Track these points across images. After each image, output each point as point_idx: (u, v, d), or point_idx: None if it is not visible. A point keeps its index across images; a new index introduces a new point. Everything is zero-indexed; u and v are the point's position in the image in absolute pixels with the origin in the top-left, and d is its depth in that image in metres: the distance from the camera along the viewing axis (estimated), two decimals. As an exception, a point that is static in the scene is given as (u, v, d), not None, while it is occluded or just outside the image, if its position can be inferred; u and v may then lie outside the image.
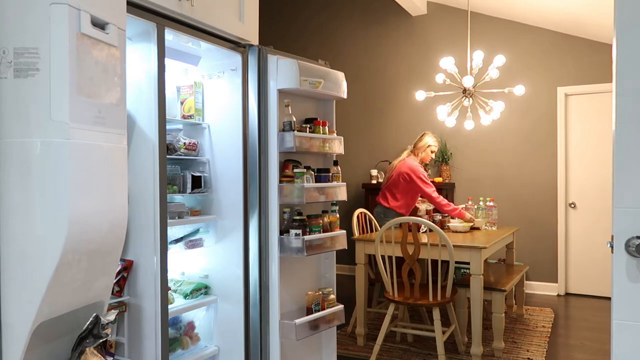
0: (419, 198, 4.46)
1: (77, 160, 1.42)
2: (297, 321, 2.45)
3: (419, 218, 3.76)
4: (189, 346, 2.41)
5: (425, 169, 5.64)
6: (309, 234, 2.51)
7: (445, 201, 4.21)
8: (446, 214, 4.20)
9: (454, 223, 4.06)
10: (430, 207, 4.46)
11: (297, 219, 2.50)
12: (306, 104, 2.75)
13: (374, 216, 4.50)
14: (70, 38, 1.40)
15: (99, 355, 1.54)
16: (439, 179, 5.65)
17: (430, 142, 4.38)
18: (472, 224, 4.18)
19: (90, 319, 1.54)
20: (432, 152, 4.42)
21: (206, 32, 2.26)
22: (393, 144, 6.05)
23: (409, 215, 4.41)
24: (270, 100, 2.45)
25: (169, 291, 2.25)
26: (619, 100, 1.35)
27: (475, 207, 4.35)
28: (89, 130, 1.46)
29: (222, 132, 2.49)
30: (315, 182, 2.56)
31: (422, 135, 4.45)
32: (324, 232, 2.60)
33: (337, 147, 2.73)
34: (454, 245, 3.25)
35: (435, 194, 4.21)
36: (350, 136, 6.20)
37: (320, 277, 2.85)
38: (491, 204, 4.30)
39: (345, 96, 2.78)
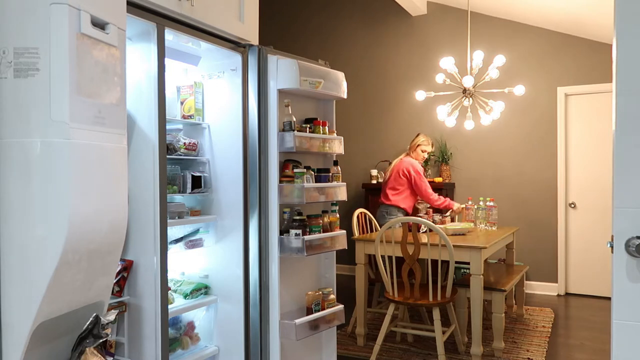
0: (418, 199, 4.54)
1: (77, 160, 1.42)
2: (297, 321, 2.45)
3: (419, 218, 3.76)
4: (189, 346, 2.41)
5: (425, 169, 5.68)
6: (309, 234, 2.51)
7: (436, 196, 4.44)
8: (443, 209, 4.46)
9: (453, 225, 4.06)
10: (429, 206, 4.52)
11: (297, 219, 2.50)
12: (306, 104, 2.75)
13: (377, 216, 4.52)
14: (70, 38, 1.40)
15: (99, 355, 1.54)
16: (439, 179, 5.65)
17: (419, 141, 4.55)
18: (472, 224, 4.19)
19: (90, 319, 1.54)
20: (422, 151, 4.57)
21: (206, 32, 2.26)
22: (393, 144, 6.05)
23: (410, 214, 4.45)
24: (270, 100, 2.45)
25: (169, 291, 2.25)
26: (619, 100, 1.35)
27: (475, 207, 4.35)
28: (89, 130, 1.46)
29: (222, 132, 2.49)
30: (315, 182, 2.56)
31: (416, 136, 4.65)
32: (324, 232, 2.60)
33: (337, 147, 2.73)
34: (454, 245, 3.25)
35: (429, 190, 4.42)
36: (350, 136, 6.19)
37: (320, 277, 2.85)
38: (491, 204, 4.30)
39: (345, 96, 2.78)
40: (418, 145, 4.52)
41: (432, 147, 4.72)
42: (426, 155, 4.64)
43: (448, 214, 4.55)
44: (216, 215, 2.51)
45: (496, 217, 4.29)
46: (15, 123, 1.39)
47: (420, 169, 4.46)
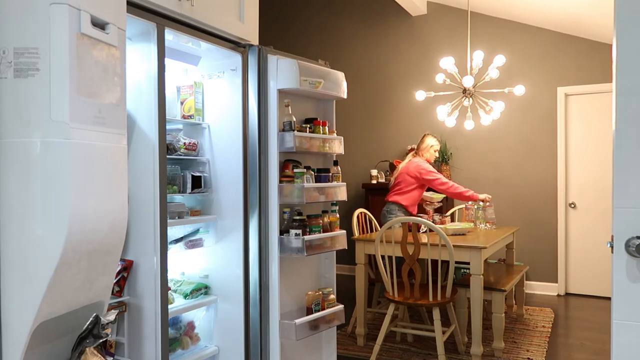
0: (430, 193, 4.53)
1: (77, 160, 1.42)
2: (297, 321, 2.45)
3: (419, 218, 3.76)
4: (189, 346, 2.41)
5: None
6: (309, 234, 2.51)
7: (459, 188, 4.30)
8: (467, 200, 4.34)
9: (453, 225, 4.06)
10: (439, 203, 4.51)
11: (297, 219, 2.50)
12: (306, 104, 2.75)
13: (381, 215, 4.52)
14: (70, 38, 1.40)
15: (99, 355, 1.54)
16: (439, 179, 5.64)
17: (432, 142, 4.48)
18: (472, 224, 4.19)
19: (90, 319, 1.54)
20: (435, 151, 4.52)
21: (206, 32, 2.26)
22: (393, 144, 6.05)
23: (411, 212, 4.44)
24: (270, 100, 2.45)
25: (169, 291, 2.25)
26: (619, 100, 1.35)
27: (475, 207, 4.36)
28: (89, 130, 1.46)
29: (222, 132, 2.49)
30: (315, 182, 2.56)
31: (423, 137, 4.54)
32: (324, 232, 2.60)
33: (337, 147, 2.73)
34: (454, 245, 3.25)
35: (444, 182, 4.29)
36: (350, 136, 6.19)
37: (320, 277, 2.85)
38: (487, 203, 4.31)
39: (345, 96, 2.78)
40: (431, 146, 4.48)
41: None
42: (437, 154, 4.61)
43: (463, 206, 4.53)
44: (216, 215, 2.51)
45: (493, 217, 4.28)
46: (15, 123, 1.39)
47: (429, 167, 4.39)
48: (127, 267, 2.04)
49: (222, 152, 2.49)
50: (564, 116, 5.27)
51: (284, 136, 2.44)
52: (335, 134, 2.75)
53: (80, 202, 1.43)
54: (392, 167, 5.65)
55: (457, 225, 3.98)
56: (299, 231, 2.45)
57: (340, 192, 2.69)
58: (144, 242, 2.02)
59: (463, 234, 3.84)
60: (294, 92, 2.57)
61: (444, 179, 4.32)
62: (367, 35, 6.23)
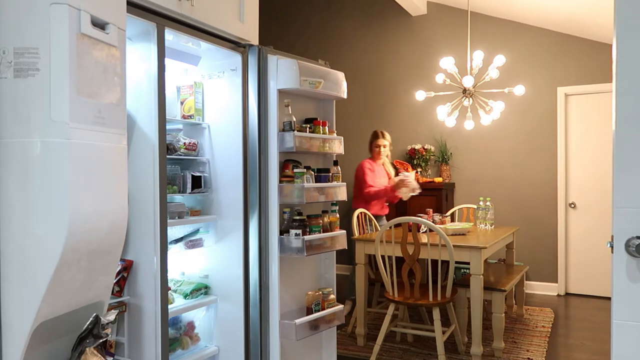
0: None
1: (77, 160, 1.42)
2: (297, 321, 2.45)
3: (419, 218, 3.76)
4: (189, 346, 2.41)
5: (420, 170, 5.65)
6: (309, 234, 2.50)
7: (371, 192, 4.22)
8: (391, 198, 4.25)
9: (453, 225, 4.06)
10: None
11: (297, 219, 2.50)
12: (306, 104, 2.75)
13: None
14: (70, 38, 1.40)
15: (99, 355, 1.54)
16: (439, 179, 5.65)
17: (372, 138, 4.44)
18: (472, 224, 4.19)
19: (90, 319, 1.54)
20: (376, 146, 4.42)
21: (206, 32, 2.26)
22: (393, 144, 6.03)
23: (373, 215, 4.41)
24: (270, 100, 2.45)
25: (169, 291, 2.25)
26: (619, 100, 1.35)
27: (476, 207, 4.36)
28: (89, 130, 1.46)
29: (222, 132, 2.49)
30: (315, 182, 2.56)
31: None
32: (324, 232, 2.60)
33: (337, 147, 2.73)
34: (454, 245, 3.25)
35: (366, 190, 4.23)
36: (350, 136, 6.18)
37: (320, 277, 2.85)
38: (488, 204, 4.32)
39: (345, 96, 2.78)
40: (370, 143, 4.41)
41: (385, 137, 4.43)
42: (383, 150, 4.44)
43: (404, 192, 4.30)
44: (216, 215, 2.51)
45: (488, 216, 4.28)
46: (15, 123, 1.39)
47: (367, 168, 4.28)
48: (127, 267, 2.04)
49: (222, 152, 2.49)
50: (564, 116, 5.27)
51: (284, 136, 2.44)
52: (335, 134, 2.75)
53: (80, 202, 1.43)
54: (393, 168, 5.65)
55: (457, 225, 3.98)
56: (299, 231, 2.45)
57: (340, 192, 2.68)
58: (144, 242, 2.02)
59: (463, 234, 3.84)
60: (294, 92, 2.57)
61: (371, 187, 4.20)
62: (367, 35, 6.23)
